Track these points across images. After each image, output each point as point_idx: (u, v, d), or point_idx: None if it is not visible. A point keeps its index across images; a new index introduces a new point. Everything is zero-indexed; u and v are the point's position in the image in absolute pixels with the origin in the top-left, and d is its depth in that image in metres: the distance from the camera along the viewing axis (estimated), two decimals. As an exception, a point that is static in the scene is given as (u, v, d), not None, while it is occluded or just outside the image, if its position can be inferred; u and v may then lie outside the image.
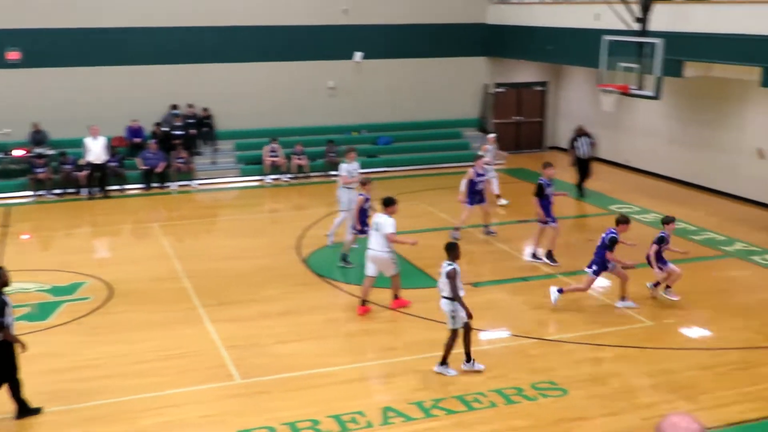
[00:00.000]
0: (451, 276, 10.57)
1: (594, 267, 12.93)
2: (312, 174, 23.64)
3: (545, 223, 15.42)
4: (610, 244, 12.84)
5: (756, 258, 15.87)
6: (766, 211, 19.44)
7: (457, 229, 17.06)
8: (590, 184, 21.21)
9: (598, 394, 10.30)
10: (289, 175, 23.40)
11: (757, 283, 14.54)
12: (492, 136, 20.22)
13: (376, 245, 12.87)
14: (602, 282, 14.63)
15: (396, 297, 13.33)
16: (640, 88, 17.14)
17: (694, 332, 12.46)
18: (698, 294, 13.87)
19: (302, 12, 24.66)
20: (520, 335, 12.13)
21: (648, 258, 13.08)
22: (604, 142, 25.48)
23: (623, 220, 13.00)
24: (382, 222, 12.79)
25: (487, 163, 18.40)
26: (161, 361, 11.35)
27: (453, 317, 10.71)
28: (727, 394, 10.27)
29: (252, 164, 23.68)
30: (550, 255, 15.50)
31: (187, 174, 22.78)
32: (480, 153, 18.83)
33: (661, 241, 13.02)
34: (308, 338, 12.18)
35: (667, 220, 13.29)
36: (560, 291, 13.29)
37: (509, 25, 25.63)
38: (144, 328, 12.58)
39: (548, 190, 15.32)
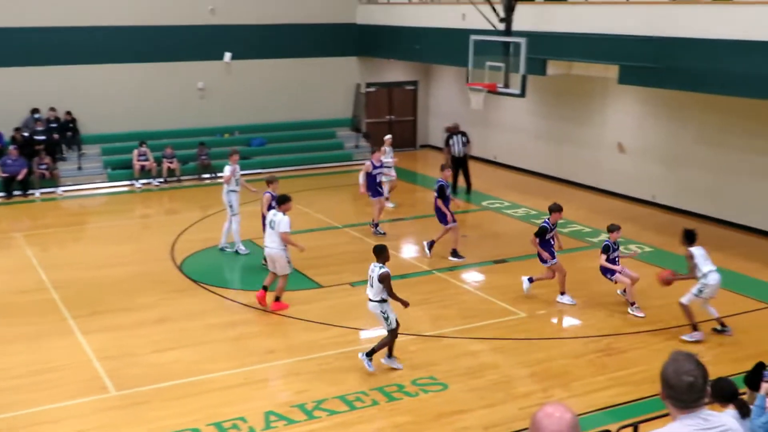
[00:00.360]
0: (385, 278, 10.58)
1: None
2: (183, 177, 23.16)
3: (447, 222, 15.67)
4: (540, 232, 13.14)
5: (621, 248, 16.53)
6: (627, 203, 20.34)
7: (376, 225, 17.35)
8: (461, 181, 21.60)
9: (476, 386, 10.52)
10: (159, 179, 22.84)
11: (621, 273, 15.19)
12: (388, 137, 20.15)
13: (271, 243, 12.93)
14: (476, 276, 14.98)
15: (277, 299, 13.25)
16: (506, 87, 17.59)
17: (565, 322, 12.93)
18: (568, 285, 14.35)
19: (169, 12, 24.10)
20: (399, 332, 12.23)
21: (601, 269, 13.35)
22: (473, 140, 26.07)
23: (555, 208, 13.28)
24: (277, 220, 12.81)
25: (387, 165, 18.72)
26: (32, 377, 10.88)
27: (386, 318, 10.79)
28: (597, 380, 10.70)
29: (120, 169, 22.98)
30: (455, 252, 15.77)
31: (51, 181, 21.88)
32: (382, 149, 18.89)
33: (607, 249, 13.23)
34: (186, 345, 11.93)
35: (612, 228, 13.28)
36: (531, 280, 13.67)
37: (379, 25, 25.86)
38: (11, 342, 12.02)
39: (448, 192, 15.69)
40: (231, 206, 15.86)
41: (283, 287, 13.21)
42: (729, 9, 15.12)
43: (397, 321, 10.89)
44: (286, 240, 12.84)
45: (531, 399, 10.14)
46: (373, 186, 17.40)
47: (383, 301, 10.72)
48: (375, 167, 17.46)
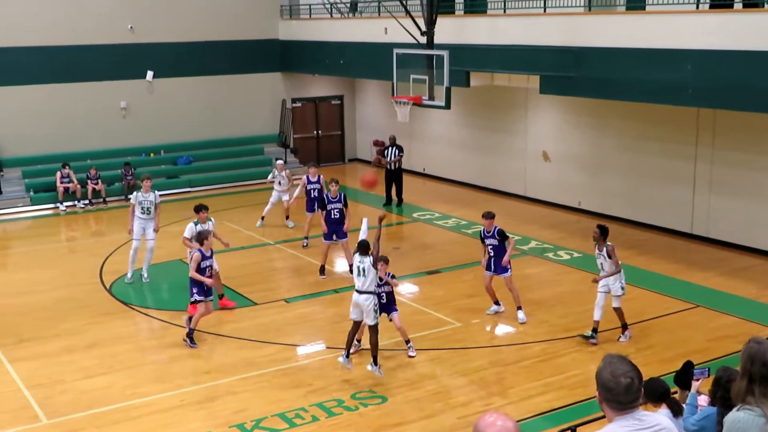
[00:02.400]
0: (375, 267, 10.83)
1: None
2: (109, 199, 22.75)
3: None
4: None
5: (549, 254, 16.91)
6: (552, 210, 20.75)
7: (306, 238, 17.60)
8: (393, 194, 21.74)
9: (415, 397, 10.60)
10: (84, 201, 22.38)
11: (553, 278, 15.50)
12: (280, 162, 19.98)
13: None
14: (410, 288, 15.09)
15: (221, 296, 14.03)
16: (431, 99, 17.77)
17: (499, 329, 13.09)
18: (500, 292, 14.55)
19: (88, 31, 23.65)
20: (336, 347, 12.25)
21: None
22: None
23: (485, 215, 13.07)
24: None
25: (279, 190, 19.09)
26: (-44, 410, 10.54)
27: (375, 311, 10.92)
28: (533, 386, 10.88)
29: (43, 192, 22.45)
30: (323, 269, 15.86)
31: (-30, 206, 21.26)
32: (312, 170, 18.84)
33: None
34: (118, 369, 11.71)
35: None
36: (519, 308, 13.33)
37: (301, 41, 25.88)
38: (-67, 375, 11.63)
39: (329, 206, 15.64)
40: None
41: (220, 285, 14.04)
42: (641, 18, 15.60)
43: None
44: (185, 243, 13.57)
45: (470, 408, 10.26)
46: (309, 200, 17.49)
47: (373, 293, 10.88)
48: (309, 182, 17.58)
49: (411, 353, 11.84)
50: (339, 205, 15.56)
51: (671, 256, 16.58)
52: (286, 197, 19.04)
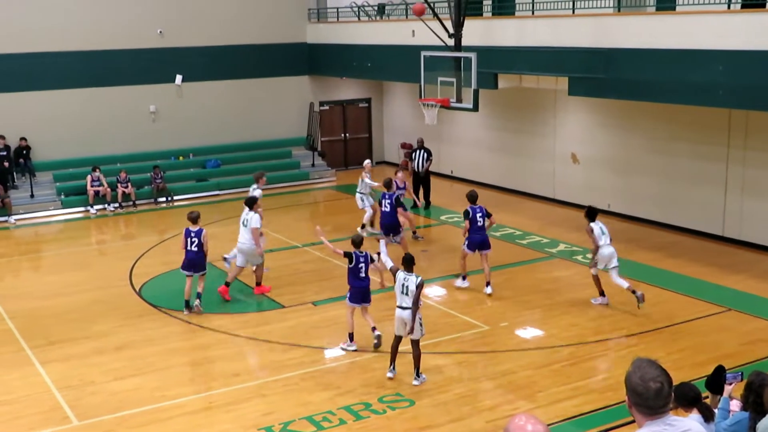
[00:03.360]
0: (421, 287, 10.85)
1: (467, 243, 14.63)
2: (139, 202, 22.94)
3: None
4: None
5: (578, 257, 16.78)
6: (581, 212, 20.38)
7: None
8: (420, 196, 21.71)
9: (443, 401, 10.56)
10: (114, 205, 22.58)
11: (582, 281, 15.34)
12: (368, 163, 19.75)
13: (243, 239, 14.49)
14: (438, 291, 15.04)
15: (258, 284, 14.93)
16: (459, 101, 17.74)
17: (528, 333, 13.01)
18: (529, 296, 14.52)
19: (118, 36, 23.88)
20: (363, 350, 12.25)
21: None
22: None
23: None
24: (249, 218, 14.43)
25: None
26: (-10, 410, 10.67)
27: (421, 325, 10.98)
28: (561, 390, 10.79)
29: (74, 195, 22.69)
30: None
31: (3, 209, 21.51)
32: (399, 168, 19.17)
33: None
34: (147, 371, 11.79)
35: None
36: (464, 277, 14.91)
37: (328, 44, 25.94)
38: (-34, 376, 11.79)
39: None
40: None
41: (261, 274, 14.97)
42: (672, 19, 15.45)
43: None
44: (255, 236, 14.39)
45: (497, 412, 10.20)
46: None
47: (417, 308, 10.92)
48: (398, 188, 17.68)
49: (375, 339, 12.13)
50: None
51: (702, 259, 16.39)
52: (370, 201, 18.82)
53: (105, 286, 15.84)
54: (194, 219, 13.91)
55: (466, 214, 14.63)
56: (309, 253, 17.64)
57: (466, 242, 14.63)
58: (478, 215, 14.55)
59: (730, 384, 6.71)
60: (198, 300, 13.89)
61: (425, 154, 21.36)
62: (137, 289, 15.51)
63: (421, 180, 21.52)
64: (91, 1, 23.53)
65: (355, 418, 10.17)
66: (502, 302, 14.13)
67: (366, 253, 12.14)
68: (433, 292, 14.89)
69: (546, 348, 12.29)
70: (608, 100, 18.51)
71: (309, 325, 13.42)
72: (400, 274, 10.99)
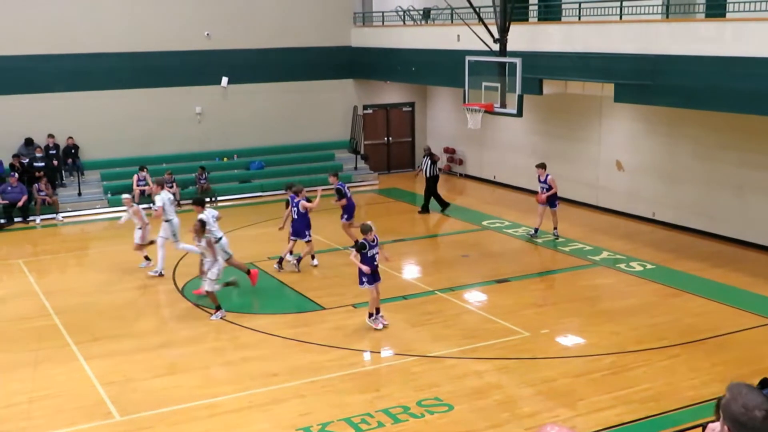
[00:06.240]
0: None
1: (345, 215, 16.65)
2: (183, 202, 23.16)
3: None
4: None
5: (621, 265, 16.60)
6: (624, 220, 20.39)
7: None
8: (460, 201, 21.69)
9: (482, 407, 10.50)
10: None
11: (624, 290, 15.21)
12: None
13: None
14: (479, 296, 14.99)
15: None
16: (503, 106, 17.64)
17: (569, 340, 12.90)
18: (571, 303, 14.39)
19: (166, 38, 24.22)
20: (402, 353, 12.25)
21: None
22: (471, 159, 26.18)
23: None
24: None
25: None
26: (36, 402, 10.85)
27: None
28: (602, 399, 10.67)
29: (120, 194, 22.96)
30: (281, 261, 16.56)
31: (51, 207, 21.91)
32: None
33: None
34: (187, 370, 11.91)
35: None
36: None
37: (373, 48, 26.00)
38: (14, 368, 12.00)
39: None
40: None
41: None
42: (721, 25, 15.22)
43: None
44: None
45: (536, 419, 10.11)
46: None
47: None
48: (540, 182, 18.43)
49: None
50: None
51: (748, 269, 16.11)
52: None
53: (148, 284, 16.04)
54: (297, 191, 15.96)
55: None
56: (349, 255, 17.63)
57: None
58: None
59: (776, 397, 6.58)
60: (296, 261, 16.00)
61: (430, 162, 21.48)
62: (180, 288, 15.68)
63: (428, 185, 21.64)
64: (140, 4, 23.88)
65: (393, 421, 10.16)
66: (543, 309, 14.03)
67: (375, 237, 13.04)
68: (473, 297, 14.83)
69: (587, 356, 12.16)
70: (653, 107, 18.29)
71: (348, 328, 13.45)
72: None
